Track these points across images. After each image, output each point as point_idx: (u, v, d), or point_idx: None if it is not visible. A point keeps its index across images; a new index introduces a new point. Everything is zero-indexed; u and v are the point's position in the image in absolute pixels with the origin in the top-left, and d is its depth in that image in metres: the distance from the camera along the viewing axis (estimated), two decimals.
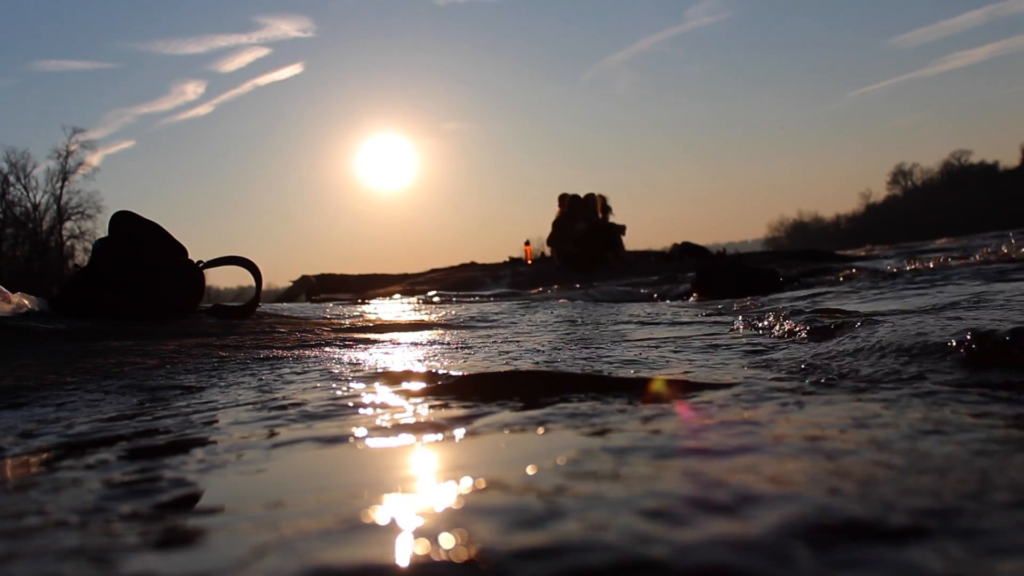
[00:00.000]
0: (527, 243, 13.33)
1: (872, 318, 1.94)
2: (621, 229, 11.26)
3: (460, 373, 1.38)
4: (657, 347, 1.94)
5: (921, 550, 0.50)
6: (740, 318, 2.77)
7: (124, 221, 3.06)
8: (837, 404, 1.03)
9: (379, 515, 0.62)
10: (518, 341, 2.26)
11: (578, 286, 7.73)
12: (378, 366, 1.64)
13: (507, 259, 13.67)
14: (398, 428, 1.00)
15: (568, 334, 2.48)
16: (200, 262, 3.15)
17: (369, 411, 1.12)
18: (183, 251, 3.12)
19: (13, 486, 0.81)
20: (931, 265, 5.83)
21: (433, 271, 13.25)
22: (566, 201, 11.14)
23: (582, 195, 11.26)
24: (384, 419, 1.06)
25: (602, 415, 1.02)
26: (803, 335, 2.09)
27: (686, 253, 11.82)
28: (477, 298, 6.67)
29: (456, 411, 1.10)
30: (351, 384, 1.38)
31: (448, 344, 2.24)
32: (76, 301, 2.90)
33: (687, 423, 0.96)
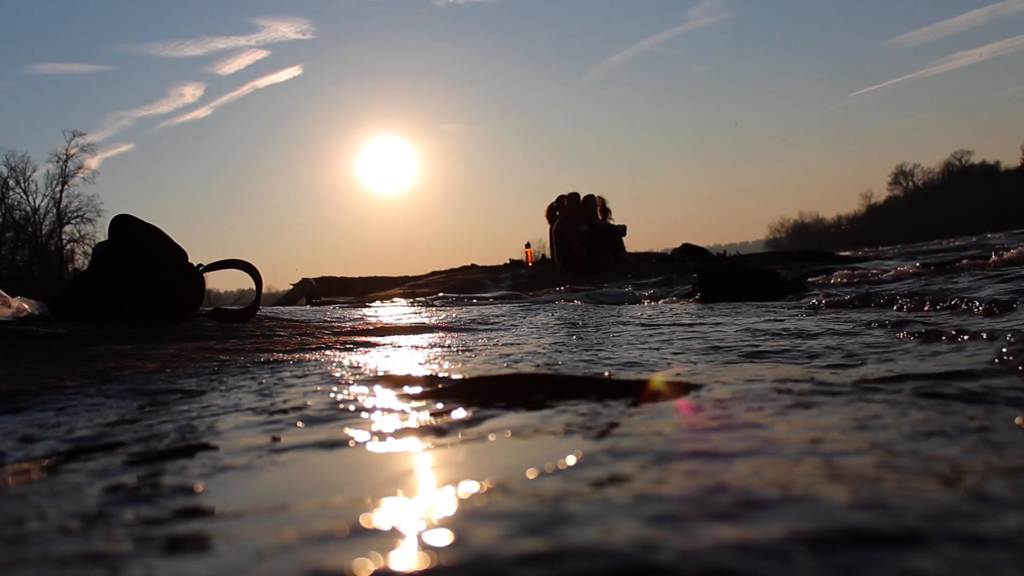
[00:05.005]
0: (528, 245, 13.33)
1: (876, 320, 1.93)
2: (622, 230, 11.25)
3: (461, 376, 1.38)
4: (658, 349, 1.93)
5: (924, 555, 0.49)
6: (742, 320, 2.77)
7: (124, 225, 3.06)
8: (839, 406, 1.03)
9: (381, 520, 0.61)
10: (519, 344, 2.26)
11: (579, 288, 7.73)
12: (379, 369, 1.64)
13: (508, 261, 13.65)
14: (399, 432, 0.99)
15: (569, 336, 2.48)
16: (200, 265, 3.15)
17: (370, 415, 1.12)
18: (183, 254, 3.12)
19: (14, 491, 0.81)
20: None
21: (434, 273, 13.24)
22: (564, 203, 11.12)
23: (580, 196, 11.24)
24: (385, 423, 1.05)
25: (604, 418, 1.02)
26: (806, 335, 2.08)
27: (687, 255, 11.80)
28: (478, 300, 6.67)
29: (457, 415, 1.09)
30: (352, 388, 1.38)
31: (449, 347, 2.24)
32: (76, 305, 2.90)
33: (689, 425, 0.96)
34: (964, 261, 6.23)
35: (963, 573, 0.47)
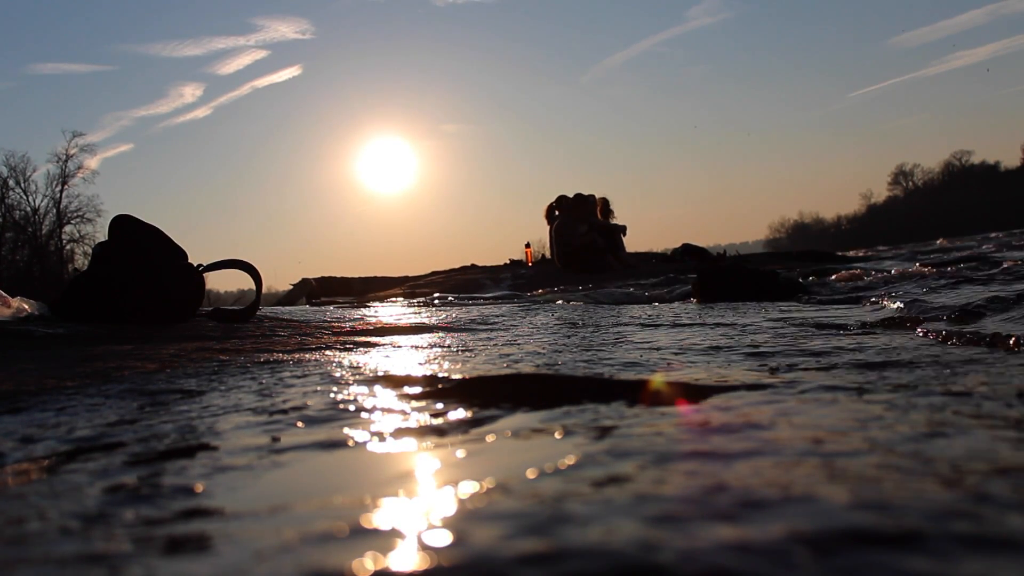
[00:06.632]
0: (527, 245, 13.32)
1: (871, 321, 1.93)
2: (622, 230, 11.25)
3: (461, 376, 1.38)
4: (658, 349, 1.93)
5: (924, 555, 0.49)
6: (741, 320, 2.77)
7: (124, 225, 3.06)
8: (839, 405, 1.03)
9: (381, 520, 0.61)
10: (519, 344, 2.26)
11: (579, 288, 7.73)
12: (379, 369, 1.64)
13: (507, 261, 13.65)
14: (399, 432, 0.99)
15: (569, 336, 2.48)
16: (200, 265, 3.15)
17: (370, 415, 1.12)
18: (183, 255, 3.12)
19: (14, 491, 0.81)
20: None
21: (433, 273, 13.23)
22: (564, 203, 11.12)
23: (580, 196, 11.23)
24: (385, 423, 1.05)
25: (604, 418, 1.02)
26: (807, 337, 2.08)
27: (687, 255, 11.80)
28: (478, 300, 6.67)
29: (457, 415, 1.09)
30: (352, 388, 1.38)
31: (449, 347, 2.24)
32: (76, 305, 2.90)
33: (689, 426, 0.96)
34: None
35: (963, 573, 0.47)
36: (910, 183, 77.07)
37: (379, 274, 13.14)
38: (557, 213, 11.33)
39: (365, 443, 0.94)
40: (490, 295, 7.80)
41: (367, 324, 3.25)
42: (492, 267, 13.09)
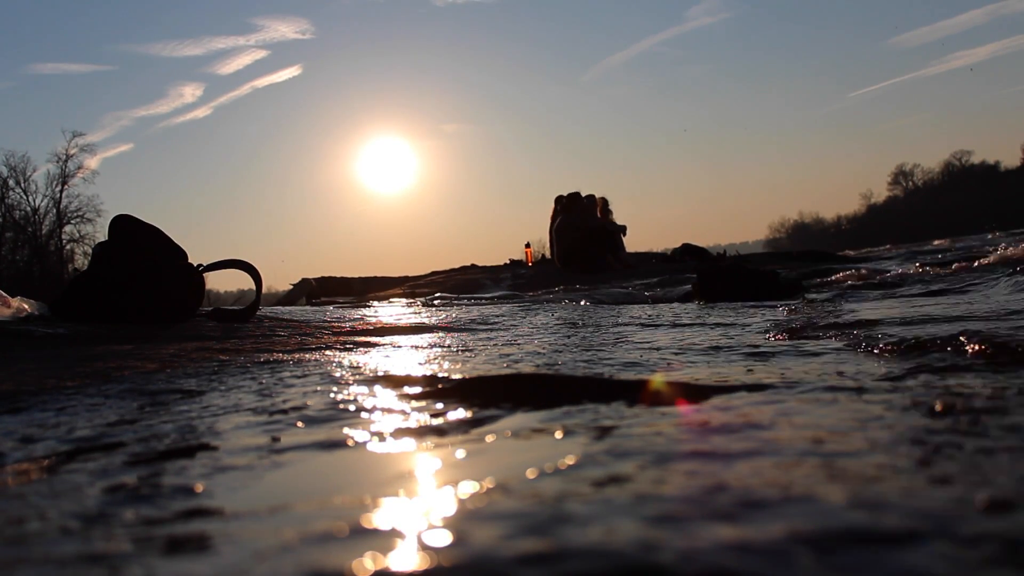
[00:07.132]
0: (527, 245, 13.34)
1: (872, 322, 1.93)
2: (622, 230, 11.25)
3: (461, 376, 1.38)
4: (658, 349, 1.93)
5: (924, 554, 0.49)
6: (742, 320, 2.77)
7: (124, 225, 3.06)
8: (839, 405, 1.03)
9: (381, 520, 0.61)
10: (519, 344, 2.26)
11: (579, 288, 7.73)
12: (379, 369, 1.64)
13: (507, 261, 13.66)
14: (399, 432, 0.99)
15: (569, 336, 2.48)
16: (200, 265, 3.15)
17: (370, 415, 1.12)
18: (183, 255, 3.12)
19: (14, 491, 0.81)
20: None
21: (433, 273, 13.24)
22: (563, 202, 11.13)
23: (580, 196, 11.24)
24: (385, 423, 1.05)
25: (604, 418, 1.02)
26: (806, 335, 2.09)
27: (687, 255, 11.81)
28: (478, 300, 6.67)
29: (457, 415, 1.09)
30: (352, 388, 1.38)
31: (449, 347, 2.24)
32: (76, 305, 2.90)
33: (689, 426, 0.96)
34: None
35: (963, 573, 0.47)
36: (910, 183, 77.09)
37: (379, 274, 13.16)
38: (559, 210, 11.33)
39: (365, 443, 0.94)
40: (490, 295, 7.80)
41: (367, 324, 3.25)
42: (492, 267, 13.09)
